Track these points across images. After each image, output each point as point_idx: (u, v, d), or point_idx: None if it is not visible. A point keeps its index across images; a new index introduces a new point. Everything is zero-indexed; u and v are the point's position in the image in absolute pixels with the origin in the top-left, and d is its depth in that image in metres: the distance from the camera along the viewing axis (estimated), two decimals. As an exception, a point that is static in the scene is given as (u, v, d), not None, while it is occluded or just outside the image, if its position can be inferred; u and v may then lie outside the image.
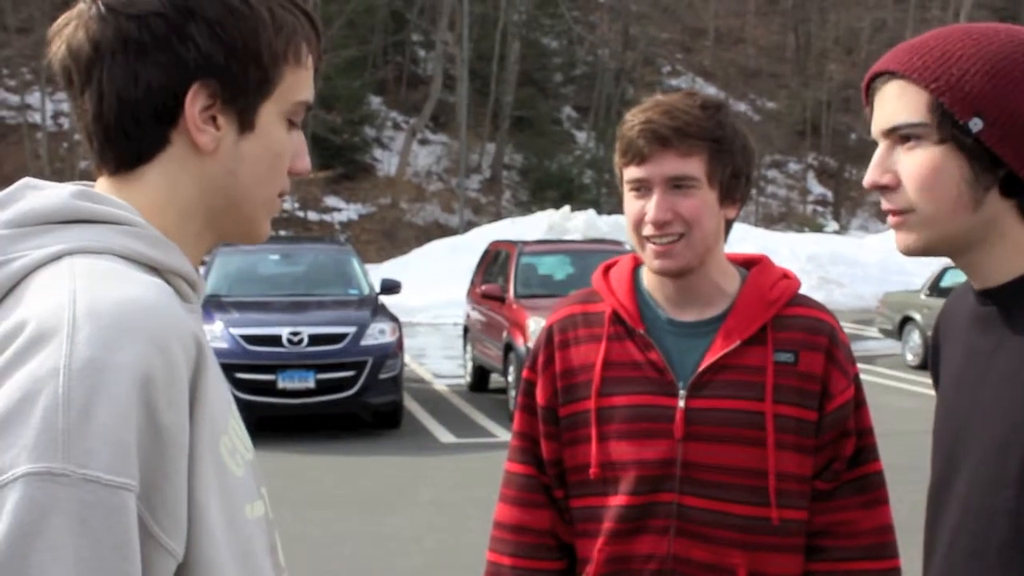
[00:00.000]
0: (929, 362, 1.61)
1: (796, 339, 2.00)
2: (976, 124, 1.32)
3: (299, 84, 1.23)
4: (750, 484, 1.96)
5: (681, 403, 1.97)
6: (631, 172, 1.99)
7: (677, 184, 1.96)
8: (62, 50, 1.17)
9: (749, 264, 2.12)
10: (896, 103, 1.37)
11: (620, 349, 2.03)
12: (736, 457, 1.96)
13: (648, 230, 1.97)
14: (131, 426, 0.99)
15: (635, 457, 1.98)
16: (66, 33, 1.17)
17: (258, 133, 1.21)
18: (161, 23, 1.14)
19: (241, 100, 1.19)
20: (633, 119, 1.99)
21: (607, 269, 2.15)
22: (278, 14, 1.20)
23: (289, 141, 1.25)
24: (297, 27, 1.22)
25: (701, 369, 1.98)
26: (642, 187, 1.98)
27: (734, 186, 2.01)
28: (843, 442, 2.01)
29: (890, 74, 1.39)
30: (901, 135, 1.37)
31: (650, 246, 1.98)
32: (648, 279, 2.08)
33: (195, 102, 1.16)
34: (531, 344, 2.34)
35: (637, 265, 2.12)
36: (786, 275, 2.10)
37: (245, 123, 1.20)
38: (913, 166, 1.36)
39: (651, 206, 1.96)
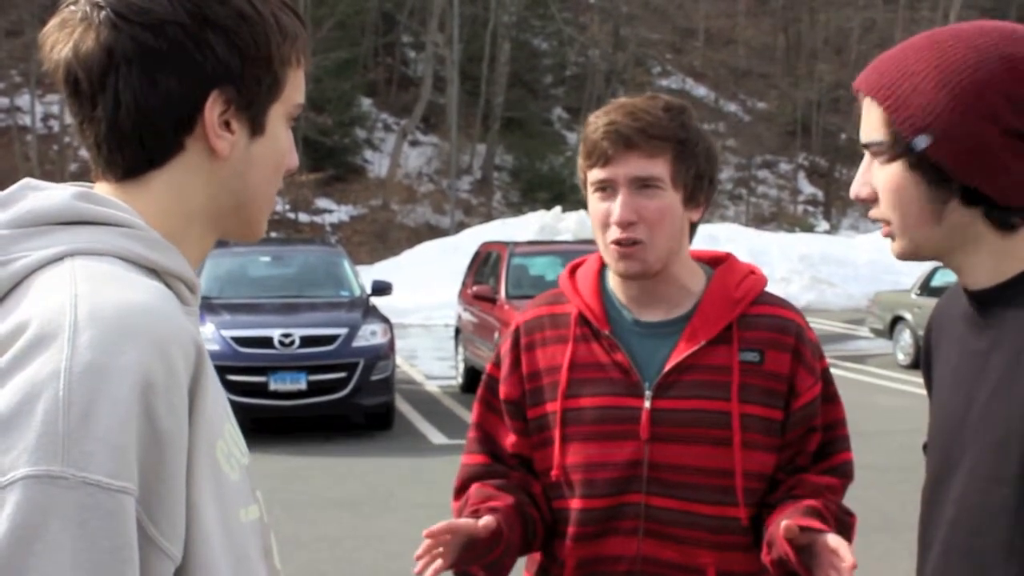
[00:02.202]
0: (921, 363, 1.61)
1: (762, 338, 2.00)
2: (922, 141, 1.32)
3: (299, 85, 1.25)
4: (717, 484, 1.96)
5: (647, 404, 1.97)
6: (595, 174, 2.00)
7: (642, 185, 1.96)
8: (67, 56, 1.16)
9: (715, 262, 2.11)
10: (865, 119, 1.40)
11: (586, 351, 2.03)
12: (703, 457, 1.96)
13: (613, 232, 1.97)
14: (131, 430, 0.99)
15: (602, 459, 1.98)
16: (71, 38, 1.15)
17: (267, 136, 1.22)
18: (178, 31, 1.14)
19: (255, 105, 1.20)
20: (597, 121, 2.00)
21: (573, 270, 2.14)
22: (281, 18, 1.21)
23: (291, 140, 1.27)
24: (298, 30, 1.23)
25: (667, 370, 1.98)
26: (607, 188, 1.99)
27: (698, 188, 2.01)
28: (808, 437, 2.02)
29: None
30: (871, 151, 1.40)
31: (614, 248, 1.98)
32: (613, 280, 2.08)
33: (213, 109, 1.17)
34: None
35: (603, 265, 2.11)
36: (752, 271, 2.09)
37: (257, 127, 1.21)
38: (881, 182, 1.39)
39: (616, 206, 1.97)
